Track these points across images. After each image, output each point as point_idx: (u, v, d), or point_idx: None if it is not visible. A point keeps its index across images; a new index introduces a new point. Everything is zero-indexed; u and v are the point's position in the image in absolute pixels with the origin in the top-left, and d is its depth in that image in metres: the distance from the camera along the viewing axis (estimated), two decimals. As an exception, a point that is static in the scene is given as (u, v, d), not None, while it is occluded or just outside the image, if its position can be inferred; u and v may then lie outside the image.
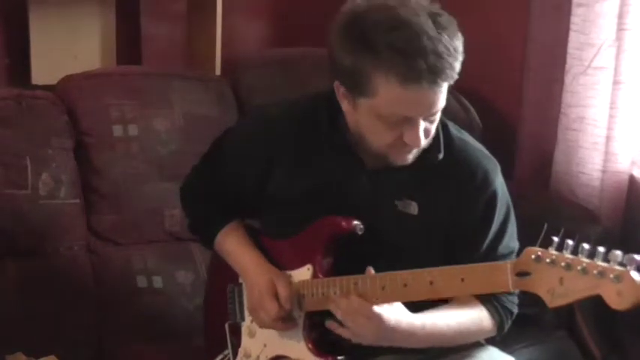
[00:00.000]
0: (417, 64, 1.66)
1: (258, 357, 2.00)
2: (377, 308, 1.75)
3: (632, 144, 2.60)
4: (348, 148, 1.88)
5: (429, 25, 1.68)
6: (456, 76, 1.72)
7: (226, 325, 2.05)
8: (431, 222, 1.88)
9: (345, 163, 1.90)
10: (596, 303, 1.51)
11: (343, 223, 1.86)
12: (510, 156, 2.80)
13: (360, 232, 1.85)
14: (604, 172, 2.61)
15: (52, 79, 2.63)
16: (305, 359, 1.90)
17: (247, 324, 2.03)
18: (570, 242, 1.53)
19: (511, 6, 2.90)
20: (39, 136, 2.42)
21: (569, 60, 2.66)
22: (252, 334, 2.02)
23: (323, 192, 1.91)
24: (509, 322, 1.93)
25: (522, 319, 1.97)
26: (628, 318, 1.54)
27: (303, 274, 1.90)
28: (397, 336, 1.79)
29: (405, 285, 1.73)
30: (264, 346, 1.99)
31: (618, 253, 1.48)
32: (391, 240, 1.88)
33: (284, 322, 1.91)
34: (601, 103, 2.60)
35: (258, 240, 2.02)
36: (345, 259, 1.88)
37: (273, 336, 1.96)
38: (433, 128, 1.80)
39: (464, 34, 1.74)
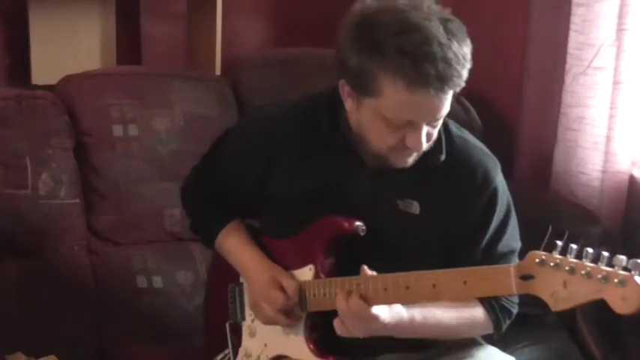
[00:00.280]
0: (426, 70, 1.66)
1: (258, 357, 2.00)
2: (375, 309, 1.75)
3: (632, 144, 2.60)
4: (349, 148, 1.88)
5: (439, 31, 1.67)
6: (463, 84, 1.71)
7: (227, 325, 2.05)
8: (432, 221, 1.88)
9: (346, 163, 1.90)
10: (597, 304, 1.51)
11: (345, 224, 1.86)
12: (510, 156, 2.81)
13: (362, 233, 1.85)
14: (604, 172, 2.61)
15: (52, 79, 2.63)
16: (306, 359, 1.91)
17: (248, 323, 2.03)
18: (574, 246, 1.53)
19: (511, 6, 2.90)
20: (39, 136, 2.41)
21: (569, 60, 2.67)
22: (252, 334, 2.02)
23: (323, 192, 1.91)
24: (508, 321, 1.93)
25: (523, 318, 1.97)
26: (629, 319, 1.54)
27: (304, 274, 1.90)
28: (387, 329, 1.79)
29: (408, 287, 1.73)
30: (265, 345, 1.99)
31: (622, 257, 1.48)
32: (392, 240, 1.89)
33: (287, 315, 1.90)
34: (601, 103, 2.60)
35: (259, 240, 2.02)
36: (346, 258, 1.88)
37: (274, 336, 1.96)
38: (435, 132, 1.80)
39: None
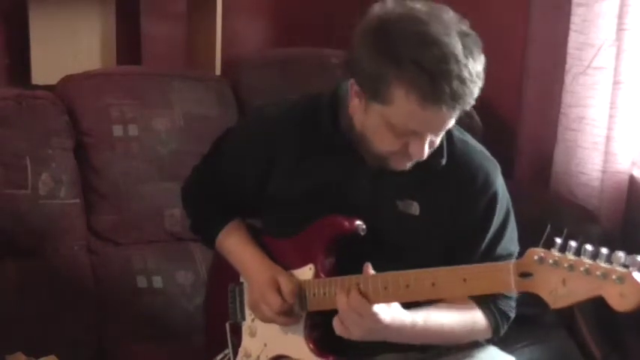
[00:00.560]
0: (441, 88, 1.65)
1: (258, 357, 2.00)
2: (375, 307, 1.75)
3: (632, 144, 2.61)
4: (349, 148, 1.88)
5: (457, 48, 1.66)
6: (473, 102, 1.72)
7: (227, 325, 2.05)
8: (432, 222, 1.88)
9: (346, 164, 1.90)
10: (596, 303, 1.51)
11: (346, 224, 1.86)
12: (510, 156, 2.81)
13: (362, 233, 1.85)
14: (604, 172, 2.61)
15: (52, 79, 2.63)
16: (306, 359, 1.90)
17: (248, 323, 2.03)
18: (573, 243, 1.53)
19: (511, 6, 2.90)
20: (39, 136, 2.41)
21: (569, 60, 2.67)
22: (252, 334, 2.02)
23: (323, 192, 1.91)
24: (506, 326, 1.93)
25: (522, 318, 1.96)
26: (628, 318, 1.53)
27: (305, 273, 1.90)
28: (387, 333, 1.79)
29: (407, 286, 1.73)
30: (265, 345, 1.99)
31: (621, 254, 1.48)
32: (392, 240, 1.88)
33: (286, 315, 1.91)
34: (601, 103, 2.60)
35: (260, 239, 2.02)
36: (345, 258, 1.88)
37: (274, 335, 1.96)
38: (438, 140, 1.81)
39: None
